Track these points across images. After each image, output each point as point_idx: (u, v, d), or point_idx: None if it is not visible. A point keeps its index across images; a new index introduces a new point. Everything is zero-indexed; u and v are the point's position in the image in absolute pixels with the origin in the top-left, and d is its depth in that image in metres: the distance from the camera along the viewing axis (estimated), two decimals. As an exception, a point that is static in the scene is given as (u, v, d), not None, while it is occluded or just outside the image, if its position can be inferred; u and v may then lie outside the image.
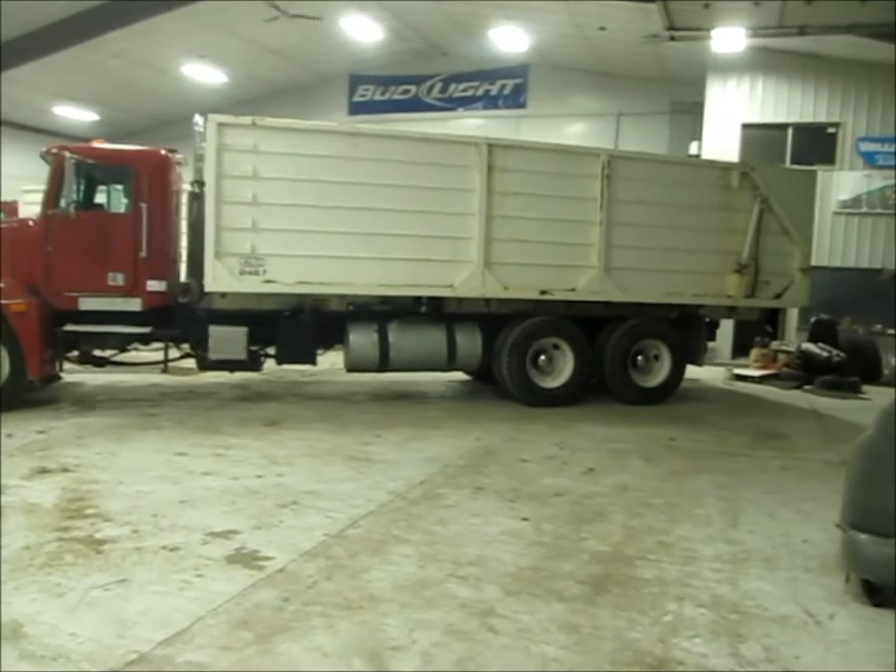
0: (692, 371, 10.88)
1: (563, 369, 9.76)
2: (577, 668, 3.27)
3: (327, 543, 4.62)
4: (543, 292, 9.50)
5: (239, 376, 10.66)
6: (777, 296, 10.51)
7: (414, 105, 22.07)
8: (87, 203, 8.81)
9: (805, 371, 12.33)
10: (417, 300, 9.39)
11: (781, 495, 6.02)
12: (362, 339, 9.28)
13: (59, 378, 9.44)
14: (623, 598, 3.97)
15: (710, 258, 10.09)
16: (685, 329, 10.39)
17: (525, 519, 5.21)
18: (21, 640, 3.36)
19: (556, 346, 9.75)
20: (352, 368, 9.54)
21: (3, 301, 8.18)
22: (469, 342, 9.62)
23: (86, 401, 9.08)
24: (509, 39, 19.04)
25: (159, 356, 9.18)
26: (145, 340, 9.04)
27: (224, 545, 4.54)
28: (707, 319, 10.89)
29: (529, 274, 9.41)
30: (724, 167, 10.45)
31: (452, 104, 22.14)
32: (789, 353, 13.13)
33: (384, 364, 9.40)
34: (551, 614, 3.76)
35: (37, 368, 8.34)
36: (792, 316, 14.74)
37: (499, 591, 4.01)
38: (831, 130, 15.51)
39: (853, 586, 4.08)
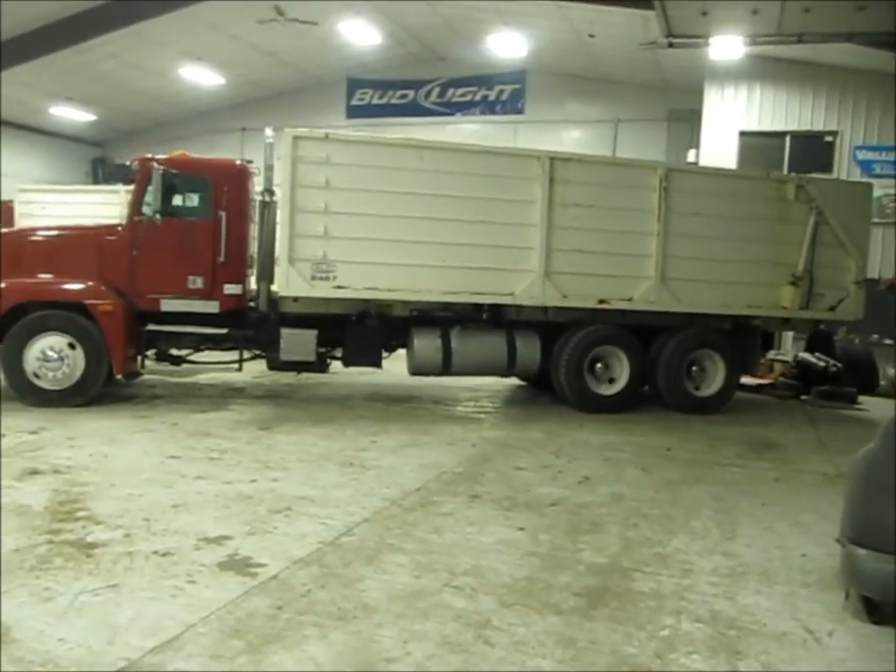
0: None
1: (619, 377, 9.89)
2: (573, 683, 3.24)
3: (321, 551, 4.57)
4: (601, 301, 9.62)
5: (234, 378, 10.62)
6: (832, 308, 10.53)
7: (412, 110, 22.09)
8: (170, 210, 9.08)
9: (802, 382, 12.30)
10: (478, 307, 9.58)
11: (778, 507, 5.99)
12: (426, 343, 9.50)
13: (140, 374, 9.77)
14: (620, 612, 3.93)
15: (765, 269, 10.14)
16: (739, 339, 10.45)
17: (520, 528, 5.16)
18: (9, 645, 3.30)
19: (613, 354, 9.88)
20: (415, 371, 9.77)
21: (91, 301, 8.60)
22: (529, 349, 9.76)
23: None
24: (507, 45, 19.06)
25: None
26: (219, 341, 9.38)
27: (217, 551, 4.49)
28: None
29: (588, 284, 9.55)
30: (780, 180, 10.51)
31: (450, 108, 22.16)
32: (785, 363, 13.11)
33: (446, 368, 9.61)
34: (547, 627, 3.72)
35: (121, 365, 8.80)
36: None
37: (495, 602, 3.97)
38: (828, 138, 15.54)
39: (852, 603, 4.04)
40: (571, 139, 20.59)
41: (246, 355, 9.52)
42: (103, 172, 24.55)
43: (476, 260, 9.25)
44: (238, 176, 9.38)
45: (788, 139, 15.83)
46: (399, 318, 9.57)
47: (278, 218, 9.07)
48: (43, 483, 5.69)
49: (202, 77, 20.99)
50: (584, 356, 9.73)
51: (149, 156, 9.11)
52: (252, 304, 9.44)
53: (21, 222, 14.83)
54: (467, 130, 21.27)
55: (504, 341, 9.69)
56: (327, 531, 4.91)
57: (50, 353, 8.48)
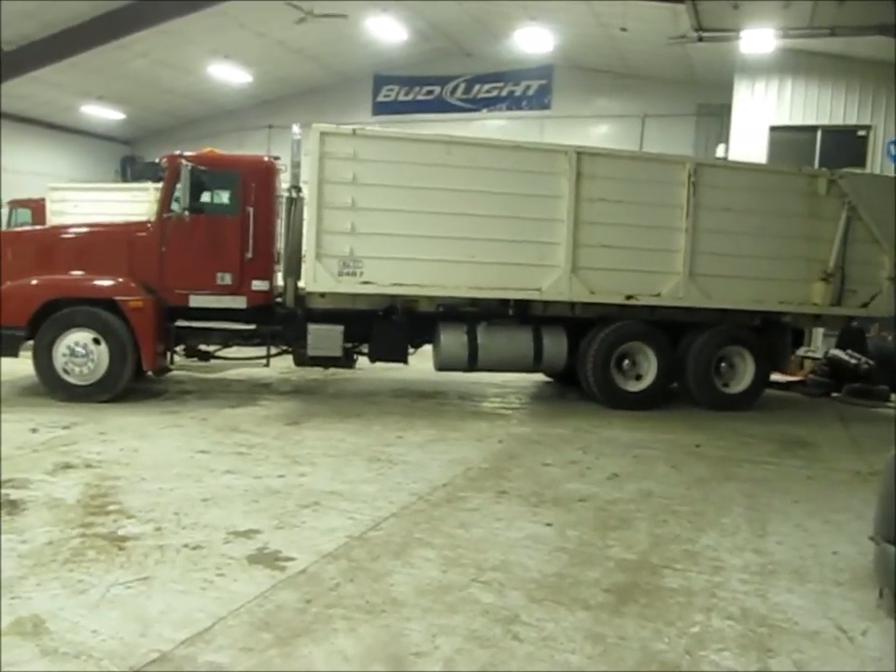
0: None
1: (646, 373, 9.85)
2: (603, 679, 3.22)
3: (349, 545, 4.59)
4: (629, 297, 9.58)
5: (261, 374, 10.70)
6: (864, 305, 10.35)
7: (438, 106, 22.11)
8: (198, 207, 9.17)
9: (833, 379, 12.12)
10: (504, 302, 9.57)
11: (809, 505, 5.92)
12: (452, 339, 9.52)
13: (169, 370, 9.87)
14: (649, 608, 3.90)
15: (796, 265, 10.02)
16: (769, 335, 10.36)
17: (548, 524, 5.15)
18: (43, 636, 3.35)
19: (640, 351, 9.83)
20: (441, 367, 9.79)
21: (122, 298, 8.70)
22: (555, 344, 9.74)
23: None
24: (533, 40, 18.98)
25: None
26: (247, 336, 9.45)
27: (246, 545, 4.53)
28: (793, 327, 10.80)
29: (615, 279, 9.51)
30: (812, 174, 10.37)
31: (476, 104, 22.14)
32: (815, 359, 12.94)
33: (472, 364, 9.62)
34: (575, 623, 3.71)
35: (151, 360, 8.86)
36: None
37: (523, 597, 3.96)
38: (861, 133, 15.27)
39: (886, 601, 3.98)
40: (598, 134, 20.49)
41: (274, 350, 9.57)
42: (132, 170, 24.86)
43: (503, 256, 9.22)
44: (266, 173, 9.42)
45: (819, 134, 15.58)
46: (425, 314, 9.58)
47: (305, 215, 9.11)
48: (75, 477, 5.77)
49: (229, 74, 21.15)
50: (611, 352, 9.68)
51: (178, 153, 9.17)
52: (279, 300, 9.50)
53: (52, 220, 15.04)
54: (493, 126, 21.23)
55: (530, 336, 9.66)
56: (355, 525, 4.93)
57: (77, 348, 8.57)
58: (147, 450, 6.70)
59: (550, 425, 8.66)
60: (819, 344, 14.17)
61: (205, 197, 9.33)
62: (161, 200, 9.29)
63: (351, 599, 3.84)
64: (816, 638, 3.66)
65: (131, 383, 8.97)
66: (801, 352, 13.04)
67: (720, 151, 16.78)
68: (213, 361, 9.92)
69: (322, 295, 9.12)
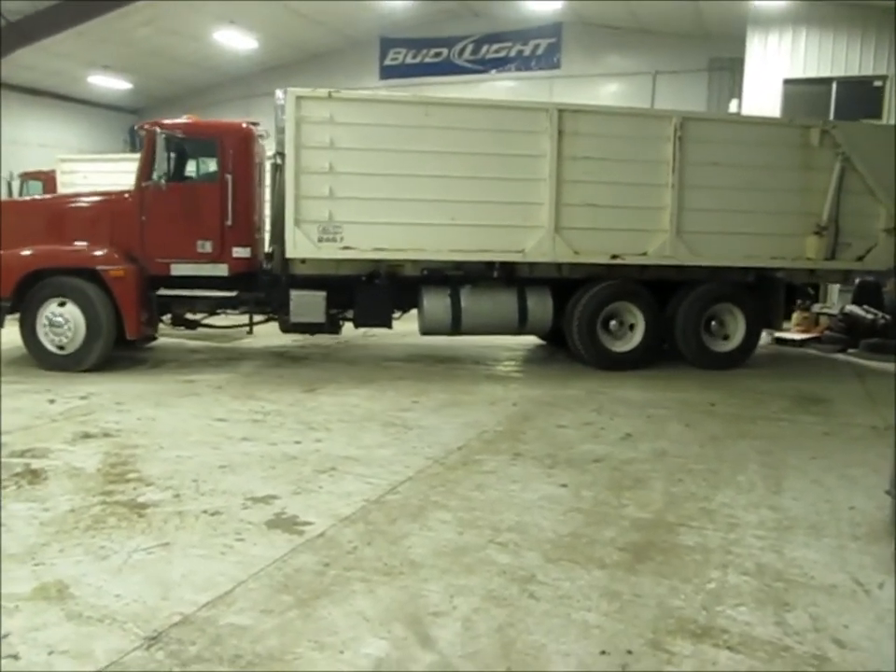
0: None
1: (634, 333, 9.79)
2: (619, 635, 3.24)
3: (366, 509, 4.63)
4: (614, 256, 9.46)
5: (274, 342, 10.74)
6: (860, 258, 10.16)
7: (446, 68, 21.82)
8: (177, 175, 9.17)
9: (848, 335, 12.04)
10: (489, 265, 9.48)
11: (825, 461, 5.91)
12: (436, 303, 9.47)
13: (154, 339, 9.97)
14: (665, 566, 3.92)
15: (788, 219, 9.83)
16: (762, 293, 10.24)
17: (563, 485, 5.17)
18: (68, 601, 3.42)
19: (628, 311, 9.75)
20: (426, 331, 9.76)
21: (102, 267, 8.73)
22: (540, 306, 9.67)
23: (119, 366, 9.17)
24: (542, -3, 18.63)
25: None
26: (231, 304, 9.46)
27: (264, 510, 4.58)
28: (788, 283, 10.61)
29: (600, 239, 9.37)
30: (804, 125, 10.09)
31: (484, 65, 21.84)
32: (831, 316, 12.84)
33: (456, 328, 9.58)
34: (591, 581, 3.73)
35: (135, 329, 8.88)
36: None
37: (539, 557, 3.99)
38: (877, 83, 14.96)
39: (903, 554, 4.00)
40: (608, 93, 20.21)
41: (259, 318, 9.57)
42: (140, 140, 24.73)
43: (485, 217, 9.11)
44: (244, 139, 9.27)
45: (834, 86, 15.27)
46: (409, 278, 9.51)
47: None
48: (95, 445, 5.83)
49: (235, 40, 20.92)
50: (597, 312, 9.59)
51: (154, 121, 9.13)
52: (265, 267, 9.47)
53: (62, 192, 15.02)
54: (502, 87, 20.95)
55: (515, 299, 9.56)
56: (371, 490, 4.97)
57: (56, 318, 8.61)
58: (165, 418, 6.76)
59: (563, 386, 8.66)
60: (834, 300, 14.06)
61: (183, 165, 9.28)
62: (139, 169, 9.16)
63: (369, 562, 3.88)
64: (832, 592, 3.68)
65: (127, 351, 9.07)
66: (816, 308, 12.96)
67: (733, 106, 16.52)
68: (207, 330, 9.93)
69: (303, 261, 9.07)
